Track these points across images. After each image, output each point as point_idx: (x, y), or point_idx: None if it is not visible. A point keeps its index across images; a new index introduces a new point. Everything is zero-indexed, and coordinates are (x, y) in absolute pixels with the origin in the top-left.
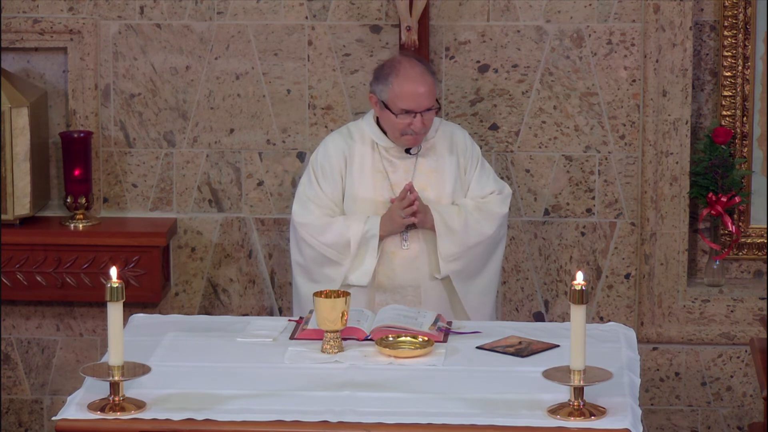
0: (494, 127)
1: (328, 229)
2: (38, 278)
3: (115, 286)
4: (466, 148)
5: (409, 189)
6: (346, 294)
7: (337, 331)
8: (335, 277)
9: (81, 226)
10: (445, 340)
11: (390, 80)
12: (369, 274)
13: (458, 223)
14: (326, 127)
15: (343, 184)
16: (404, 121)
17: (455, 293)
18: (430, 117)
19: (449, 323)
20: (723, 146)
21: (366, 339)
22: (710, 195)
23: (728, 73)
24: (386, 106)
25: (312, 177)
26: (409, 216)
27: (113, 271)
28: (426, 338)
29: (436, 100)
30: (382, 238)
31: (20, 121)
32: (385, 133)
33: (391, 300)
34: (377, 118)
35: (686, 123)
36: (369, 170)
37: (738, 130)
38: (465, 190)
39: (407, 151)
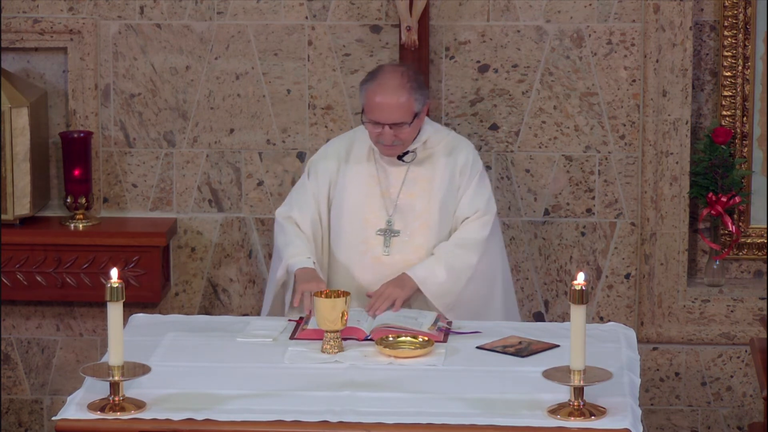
0: (494, 127)
1: (283, 234)
2: (38, 278)
3: (115, 286)
4: (466, 165)
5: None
6: (346, 294)
7: (337, 331)
8: (275, 278)
9: (81, 226)
10: (445, 340)
11: (366, 86)
12: (288, 299)
13: (443, 275)
14: (326, 127)
15: (330, 191)
16: (373, 130)
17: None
18: (404, 131)
19: (449, 323)
20: (723, 146)
21: (366, 339)
22: (710, 195)
23: (728, 73)
24: (363, 112)
25: (305, 178)
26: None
27: (114, 272)
28: (426, 338)
29: (416, 115)
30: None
31: (20, 121)
32: None
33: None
34: None
35: (686, 123)
36: (363, 176)
37: (738, 130)
38: (455, 205)
39: (400, 158)
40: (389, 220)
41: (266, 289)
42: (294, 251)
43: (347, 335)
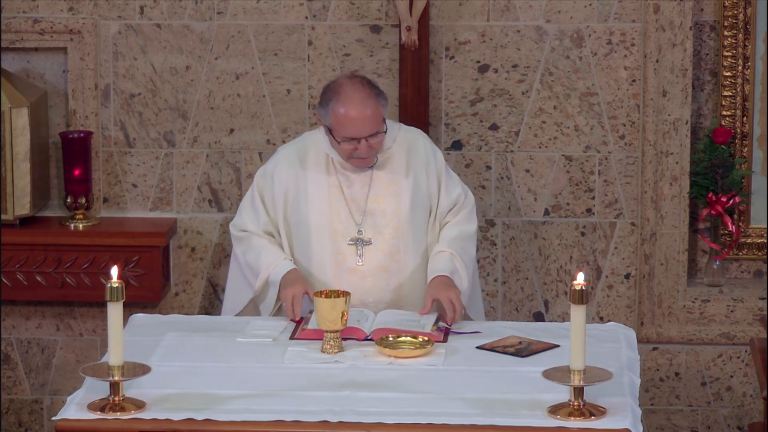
0: (494, 127)
1: (250, 247)
2: (38, 278)
3: (115, 286)
4: (429, 159)
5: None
6: (346, 294)
7: (337, 331)
8: (244, 298)
9: (81, 226)
10: (445, 340)
11: (331, 105)
12: (270, 308)
13: (464, 271)
14: None
15: (287, 202)
16: (348, 146)
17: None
18: (379, 140)
19: (449, 323)
20: (723, 146)
21: (366, 339)
22: (710, 195)
23: (728, 73)
24: (330, 132)
25: (254, 192)
26: (288, 310)
27: (114, 271)
28: (426, 338)
29: (384, 121)
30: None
31: (20, 121)
32: None
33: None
34: None
35: (686, 123)
36: (324, 187)
37: (738, 130)
38: (430, 202)
39: None
40: (359, 229)
41: (228, 301)
42: (269, 259)
43: (347, 335)
